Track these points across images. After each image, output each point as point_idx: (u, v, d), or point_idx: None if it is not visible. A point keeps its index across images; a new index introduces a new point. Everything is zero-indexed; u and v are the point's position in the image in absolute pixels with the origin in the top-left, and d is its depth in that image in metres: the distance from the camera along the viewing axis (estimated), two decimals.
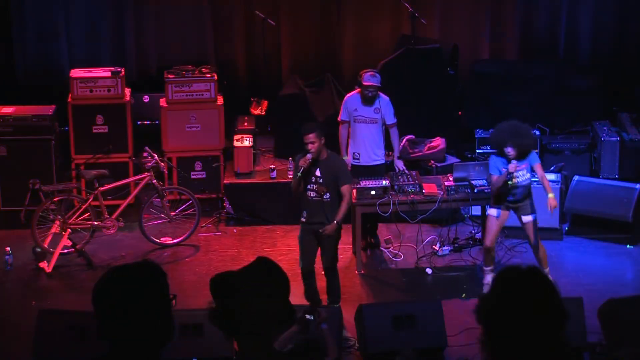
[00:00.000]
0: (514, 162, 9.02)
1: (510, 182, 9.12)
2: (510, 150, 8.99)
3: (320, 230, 8.64)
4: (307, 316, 6.28)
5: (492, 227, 9.32)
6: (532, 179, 9.36)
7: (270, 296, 3.53)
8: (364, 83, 9.96)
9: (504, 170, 9.07)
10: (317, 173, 8.65)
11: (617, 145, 11.62)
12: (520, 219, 9.33)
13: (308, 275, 8.82)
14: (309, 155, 8.55)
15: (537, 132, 11.86)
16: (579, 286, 9.37)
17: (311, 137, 8.53)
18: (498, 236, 9.54)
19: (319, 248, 8.80)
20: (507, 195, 9.22)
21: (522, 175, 9.16)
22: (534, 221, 9.27)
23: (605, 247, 10.59)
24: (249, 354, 3.56)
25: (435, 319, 8.01)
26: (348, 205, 8.78)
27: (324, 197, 8.66)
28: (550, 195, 9.25)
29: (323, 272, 8.96)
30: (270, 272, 3.58)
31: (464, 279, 9.85)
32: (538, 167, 9.26)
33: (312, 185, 8.67)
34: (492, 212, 9.33)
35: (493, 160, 9.25)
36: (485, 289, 9.33)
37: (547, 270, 9.25)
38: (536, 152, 9.39)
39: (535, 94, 12.29)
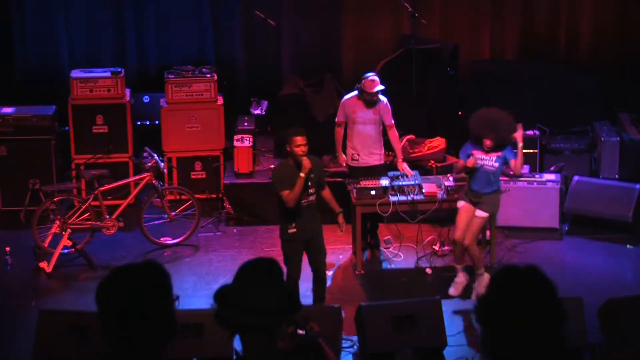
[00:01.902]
0: (473, 156, 8.99)
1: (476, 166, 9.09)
2: (488, 143, 8.94)
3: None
4: (300, 331, 6.16)
5: (457, 218, 9.25)
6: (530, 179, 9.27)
7: (266, 289, 3.56)
8: (368, 91, 9.90)
9: (473, 156, 9.04)
10: None
11: (617, 145, 11.61)
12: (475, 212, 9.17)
13: (294, 284, 8.64)
14: (306, 158, 8.46)
15: (537, 132, 11.87)
16: (579, 286, 9.34)
17: (304, 138, 8.45)
18: (465, 231, 9.15)
19: (310, 252, 8.70)
20: (470, 182, 9.16)
21: (488, 162, 9.04)
22: (483, 220, 9.17)
23: (605, 247, 10.58)
24: (253, 352, 3.57)
25: (435, 319, 7.99)
26: None
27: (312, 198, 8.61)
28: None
29: (318, 277, 8.81)
30: (267, 270, 3.62)
31: None
32: (513, 162, 9.09)
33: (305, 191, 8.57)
34: (459, 203, 9.31)
35: (465, 146, 9.22)
36: (452, 290, 9.28)
37: (481, 271, 9.16)
38: (513, 151, 9.12)
39: (535, 94, 12.28)
